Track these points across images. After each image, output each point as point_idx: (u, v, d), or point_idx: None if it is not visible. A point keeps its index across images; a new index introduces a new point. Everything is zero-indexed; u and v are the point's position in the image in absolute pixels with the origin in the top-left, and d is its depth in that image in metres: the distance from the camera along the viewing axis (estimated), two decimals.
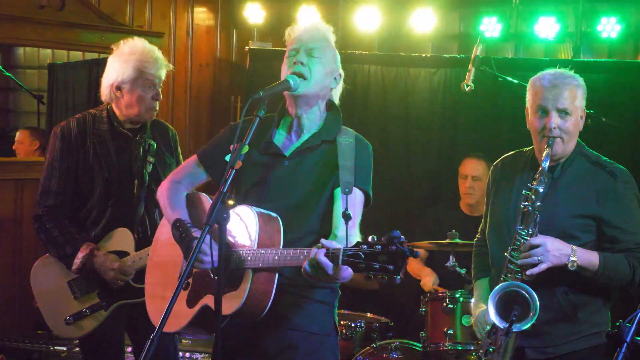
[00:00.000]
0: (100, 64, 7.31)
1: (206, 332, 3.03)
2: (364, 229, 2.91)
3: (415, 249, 2.40)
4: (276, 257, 2.69)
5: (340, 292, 3.05)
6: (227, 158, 2.64)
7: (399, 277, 2.38)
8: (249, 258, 2.74)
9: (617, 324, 2.46)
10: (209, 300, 2.84)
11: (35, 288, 3.74)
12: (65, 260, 3.62)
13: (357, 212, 2.89)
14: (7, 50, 7.40)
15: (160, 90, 3.68)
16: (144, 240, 3.68)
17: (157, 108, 3.71)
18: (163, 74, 3.71)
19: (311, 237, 2.87)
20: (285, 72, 2.93)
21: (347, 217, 2.68)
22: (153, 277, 3.17)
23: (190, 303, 2.92)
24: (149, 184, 3.71)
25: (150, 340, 2.35)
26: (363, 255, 2.40)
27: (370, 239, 2.44)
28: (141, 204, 3.72)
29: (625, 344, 2.37)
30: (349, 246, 2.49)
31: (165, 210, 3.07)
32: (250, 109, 2.70)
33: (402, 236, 2.39)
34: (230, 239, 2.83)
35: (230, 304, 2.75)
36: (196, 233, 2.81)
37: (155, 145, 3.76)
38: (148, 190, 3.72)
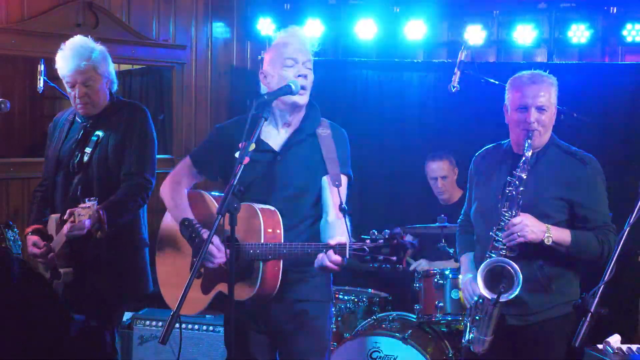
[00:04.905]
0: (133, 75, 7.36)
1: (222, 312, 3.09)
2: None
3: (411, 242, 2.49)
4: (284, 251, 2.73)
5: None
6: (237, 155, 2.64)
7: (400, 266, 2.47)
8: (258, 251, 2.76)
9: (582, 295, 2.46)
10: (222, 287, 2.88)
11: None
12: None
13: (345, 195, 2.92)
14: (51, 63, 7.40)
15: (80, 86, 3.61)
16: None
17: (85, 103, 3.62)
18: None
19: (307, 221, 2.93)
20: (287, 78, 2.90)
21: (343, 211, 2.72)
22: (164, 265, 3.17)
23: (205, 290, 2.95)
24: (85, 171, 3.61)
25: (171, 316, 2.33)
26: (368, 249, 2.47)
27: (371, 234, 2.50)
28: (70, 189, 3.62)
29: (590, 313, 2.36)
30: (351, 239, 2.56)
31: (170, 208, 3.08)
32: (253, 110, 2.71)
33: (399, 228, 2.48)
34: (239, 235, 2.84)
35: (246, 291, 2.80)
36: (204, 233, 2.83)
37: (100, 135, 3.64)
38: (84, 176, 3.60)
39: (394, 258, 2.45)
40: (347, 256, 2.54)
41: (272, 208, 2.85)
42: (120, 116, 3.65)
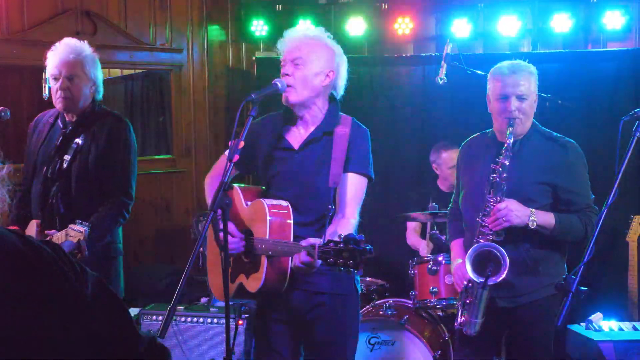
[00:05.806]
0: (135, 78, 7.39)
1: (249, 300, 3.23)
2: (361, 210, 2.93)
3: (369, 252, 2.44)
4: (278, 248, 2.73)
5: None
6: (226, 153, 2.65)
7: (360, 271, 2.46)
8: (262, 246, 2.77)
9: (564, 276, 2.47)
10: (242, 279, 2.92)
11: None
12: None
13: (355, 195, 2.91)
14: None
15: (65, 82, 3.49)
16: (50, 230, 3.40)
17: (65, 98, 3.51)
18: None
19: (323, 220, 2.88)
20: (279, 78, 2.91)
21: (327, 211, 2.71)
22: (209, 254, 3.21)
23: (232, 279, 2.97)
24: (64, 177, 3.49)
25: (168, 310, 2.34)
26: (332, 252, 2.46)
27: (337, 237, 2.49)
28: (49, 197, 3.51)
29: (571, 293, 2.38)
30: (325, 241, 2.55)
31: (207, 202, 3.09)
32: (244, 110, 2.70)
33: (361, 235, 2.46)
34: (251, 230, 2.88)
35: (253, 284, 2.83)
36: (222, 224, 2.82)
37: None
38: (62, 184, 3.49)
39: (351, 262, 2.43)
40: (317, 257, 2.51)
41: (285, 204, 2.84)
42: (102, 126, 3.56)
